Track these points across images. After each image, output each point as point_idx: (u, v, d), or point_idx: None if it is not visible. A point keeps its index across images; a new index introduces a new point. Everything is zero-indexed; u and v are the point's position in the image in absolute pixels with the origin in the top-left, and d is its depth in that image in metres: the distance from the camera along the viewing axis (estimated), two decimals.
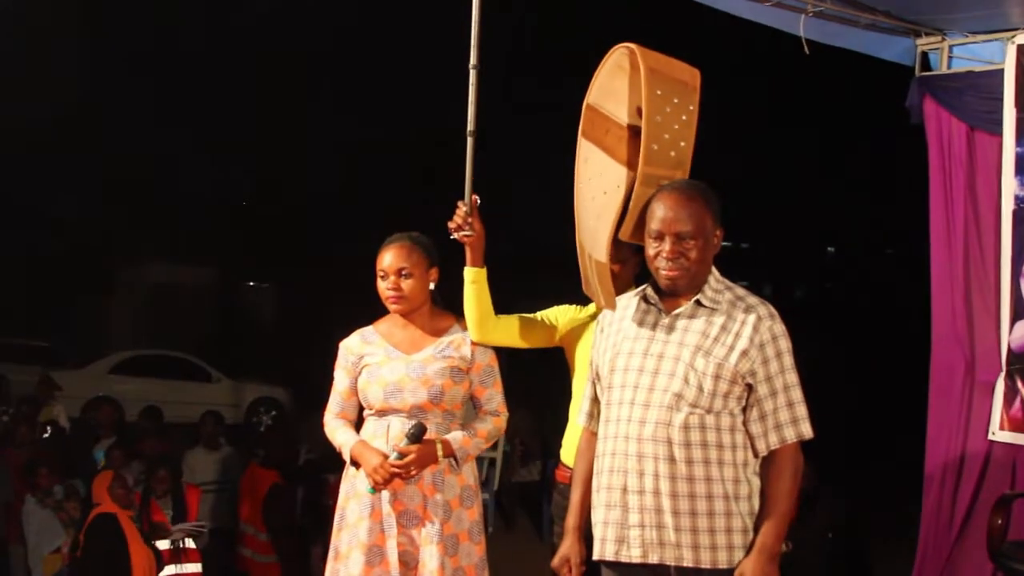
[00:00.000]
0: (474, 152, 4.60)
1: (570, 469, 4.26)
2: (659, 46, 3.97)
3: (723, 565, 3.48)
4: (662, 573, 3.54)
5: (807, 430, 3.55)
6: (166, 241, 25.71)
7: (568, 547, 3.79)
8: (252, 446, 10.70)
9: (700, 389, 3.48)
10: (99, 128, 22.15)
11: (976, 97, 6.86)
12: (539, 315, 4.63)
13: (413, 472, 4.28)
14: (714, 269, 3.65)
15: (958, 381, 6.96)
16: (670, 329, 3.58)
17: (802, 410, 3.54)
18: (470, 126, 4.57)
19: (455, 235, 4.42)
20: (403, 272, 4.43)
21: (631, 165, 3.82)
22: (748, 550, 3.49)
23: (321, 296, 25.87)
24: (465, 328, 4.51)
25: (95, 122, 21.85)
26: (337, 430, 4.51)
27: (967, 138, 6.91)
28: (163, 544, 7.19)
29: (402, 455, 4.25)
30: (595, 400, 3.81)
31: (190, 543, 7.29)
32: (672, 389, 3.50)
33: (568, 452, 4.43)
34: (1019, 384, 6.66)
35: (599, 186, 3.94)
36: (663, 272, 3.56)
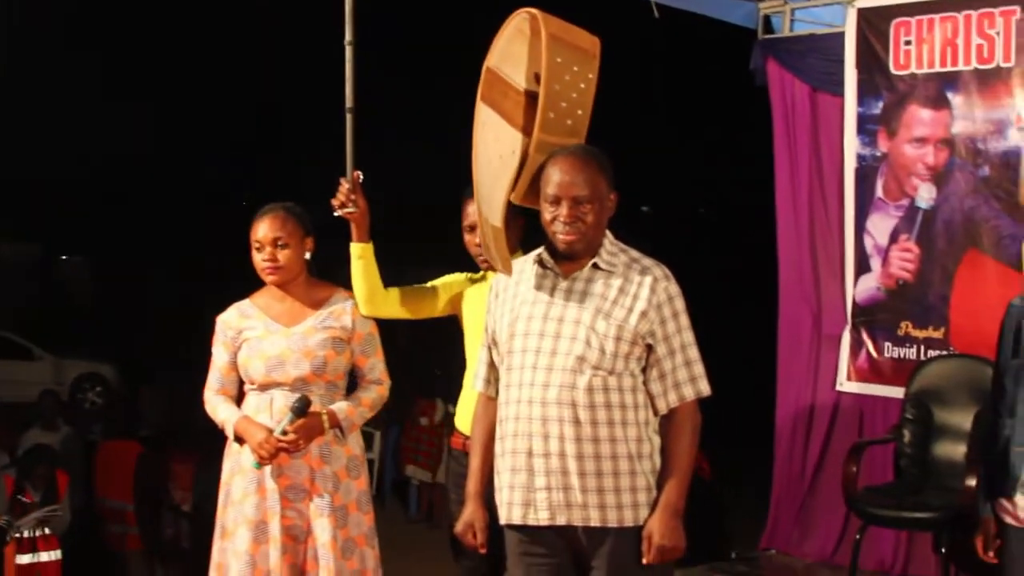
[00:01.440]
0: (354, 128, 4.53)
1: (465, 436, 4.27)
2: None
3: (629, 523, 3.53)
4: (569, 534, 3.57)
5: (704, 387, 3.62)
6: None
7: (471, 513, 3.79)
8: (88, 423, 10.48)
9: (602, 351, 3.51)
10: None
11: (818, 59, 7.06)
12: (428, 285, 4.60)
13: (301, 445, 4.23)
14: (608, 232, 3.69)
15: (806, 334, 7.20)
16: (568, 293, 3.60)
17: (699, 368, 3.61)
18: (348, 103, 4.50)
19: (339, 212, 4.38)
20: (279, 242, 4.36)
21: (527, 131, 3.80)
22: (652, 507, 3.55)
23: (139, 269, 25.32)
24: (345, 298, 4.46)
25: None
26: (219, 406, 4.42)
27: (810, 99, 7.13)
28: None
29: (286, 431, 4.21)
30: (491, 366, 3.80)
31: (46, 530, 7.08)
32: (574, 352, 3.53)
33: (462, 419, 4.43)
34: (864, 336, 6.91)
35: (495, 151, 3.92)
36: (560, 236, 3.58)
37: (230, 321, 4.46)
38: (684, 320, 3.62)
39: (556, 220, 3.58)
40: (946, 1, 6.47)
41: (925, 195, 6.66)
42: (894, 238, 6.78)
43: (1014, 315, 4.22)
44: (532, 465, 3.56)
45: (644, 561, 3.50)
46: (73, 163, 25.30)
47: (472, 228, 4.36)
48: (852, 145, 6.91)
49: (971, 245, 6.51)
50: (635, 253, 3.70)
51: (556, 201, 3.58)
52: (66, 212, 25.75)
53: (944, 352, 6.55)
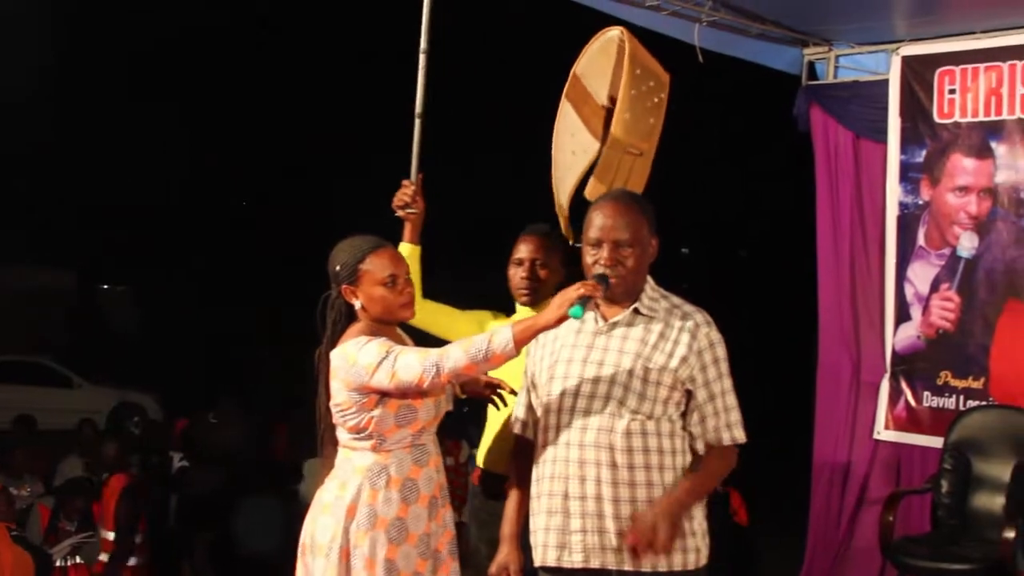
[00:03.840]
0: (422, 133, 4.76)
1: (484, 471, 4.39)
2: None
3: (663, 568, 3.52)
4: None
5: (740, 435, 3.62)
6: (20, 243, 25.00)
7: (506, 555, 3.78)
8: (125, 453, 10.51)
9: (642, 396, 3.52)
10: None
11: (861, 106, 7.06)
12: (466, 313, 4.64)
13: None
14: (650, 278, 3.70)
15: (844, 382, 7.16)
16: (609, 337, 3.61)
17: (736, 416, 3.62)
18: (419, 108, 4.76)
19: (399, 212, 4.46)
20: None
21: (598, 137, 4.32)
22: (685, 552, 3.55)
23: (179, 298, 25.45)
24: None
25: None
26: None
27: (853, 146, 7.12)
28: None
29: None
30: (530, 408, 3.81)
31: (77, 559, 7.12)
32: (614, 396, 3.53)
33: (483, 455, 4.50)
34: (903, 385, 6.87)
35: (570, 145, 4.41)
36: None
37: None
38: (724, 367, 3.62)
39: (597, 263, 3.59)
40: (991, 51, 6.48)
41: (967, 244, 6.64)
42: (935, 287, 6.76)
43: None
44: (568, 507, 3.56)
45: (626, 541, 3.49)
46: (114, 191, 25.55)
47: (520, 263, 4.48)
48: (894, 193, 6.90)
49: (1012, 295, 6.48)
50: (676, 299, 3.71)
51: (598, 244, 3.59)
52: (106, 240, 25.98)
53: (984, 403, 6.52)
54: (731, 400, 3.62)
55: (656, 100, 4.29)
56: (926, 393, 6.80)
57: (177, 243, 26.37)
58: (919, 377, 6.82)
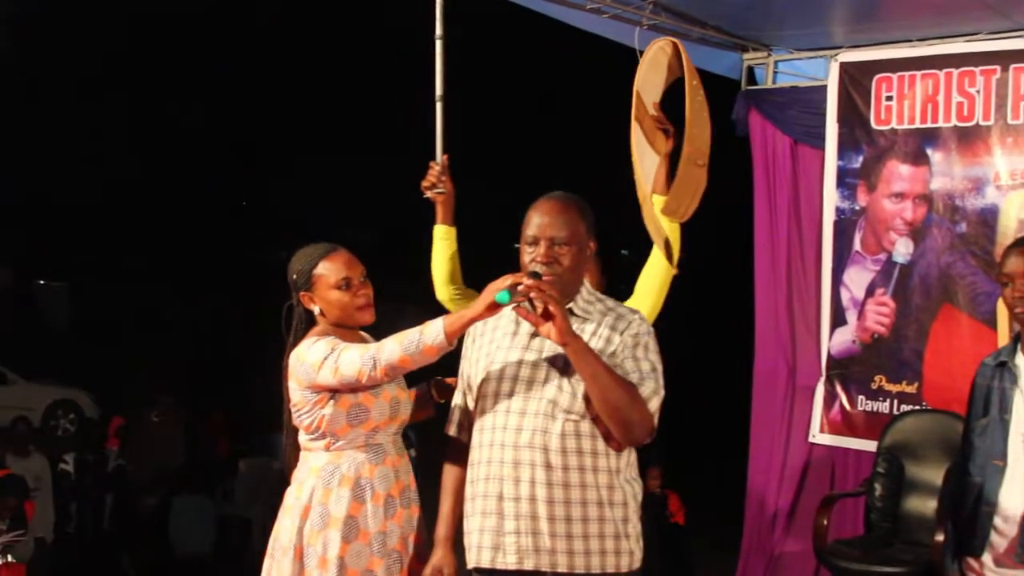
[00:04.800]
0: (444, 115, 5.00)
1: None
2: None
3: (596, 570, 3.52)
4: None
5: (654, 403, 3.49)
6: None
7: (440, 557, 3.77)
8: (60, 450, 10.42)
9: (574, 395, 3.51)
10: None
11: (800, 112, 7.11)
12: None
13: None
14: (586, 281, 3.70)
15: (780, 386, 7.21)
16: (544, 338, 3.60)
17: (653, 385, 3.51)
18: (439, 91, 5.02)
19: (428, 194, 4.54)
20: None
21: (659, 152, 4.55)
22: (619, 554, 3.56)
23: (116, 297, 25.20)
24: None
25: None
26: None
27: (791, 151, 7.17)
28: None
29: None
30: (465, 410, 3.80)
31: (10, 557, 7.01)
32: (547, 396, 3.53)
33: None
34: (838, 389, 6.92)
35: (642, 171, 4.63)
36: None
37: None
38: (653, 355, 3.59)
39: (533, 261, 3.58)
40: (927, 58, 6.54)
41: (902, 250, 6.70)
42: (871, 292, 6.81)
43: (985, 373, 4.23)
44: (503, 509, 3.55)
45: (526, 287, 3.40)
46: (51, 187, 25.25)
47: (535, 241, 4.36)
48: (831, 198, 6.95)
49: (946, 301, 6.54)
50: (612, 302, 3.70)
51: (535, 242, 3.58)
52: (43, 237, 25.68)
53: (917, 407, 6.58)
54: (647, 367, 3.54)
55: (706, 111, 4.48)
56: (861, 397, 6.86)
57: (116, 239, 26.12)
58: (854, 381, 6.88)
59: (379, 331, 3.96)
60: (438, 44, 5.08)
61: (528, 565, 3.53)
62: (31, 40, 22.38)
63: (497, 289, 3.41)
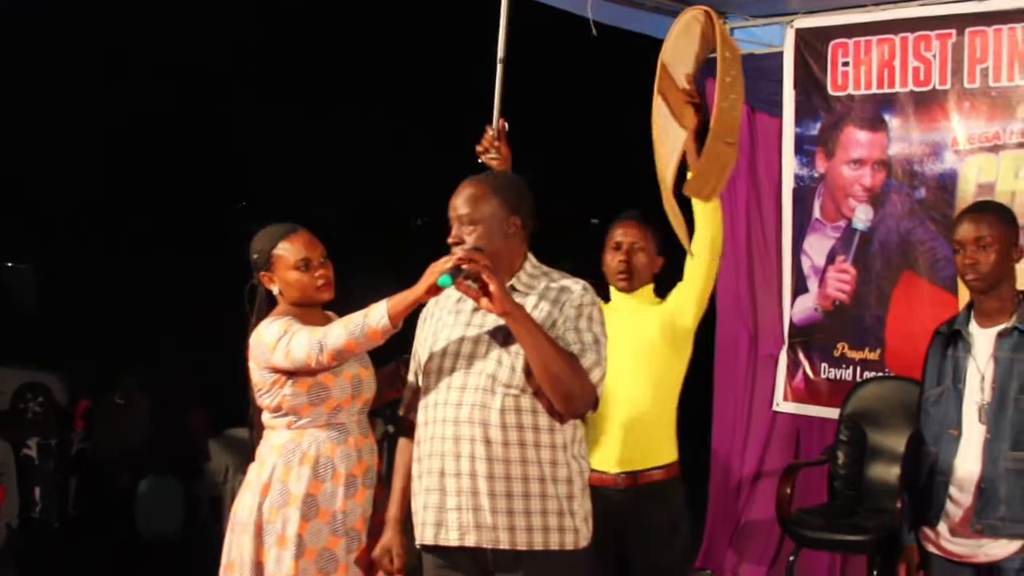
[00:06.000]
0: (504, 78, 4.93)
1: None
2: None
3: (539, 547, 3.53)
4: (480, 556, 3.57)
5: (596, 374, 3.51)
6: None
7: (388, 538, 3.80)
8: (26, 435, 10.34)
9: (512, 369, 3.52)
10: None
11: (756, 79, 7.01)
12: None
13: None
14: (531, 256, 3.71)
15: (743, 354, 7.20)
16: (484, 314, 3.60)
17: (595, 357, 3.51)
18: (500, 53, 4.94)
19: (482, 158, 4.54)
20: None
21: (685, 126, 4.41)
22: (563, 531, 3.54)
23: (86, 276, 25.03)
24: None
25: None
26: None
27: (747, 119, 7.09)
28: None
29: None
30: (416, 391, 3.80)
31: None
32: (487, 371, 3.54)
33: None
34: (801, 356, 6.90)
35: (665, 145, 4.49)
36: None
37: None
38: (597, 327, 3.58)
39: (449, 243, 3.64)
40: (883, 23, 6.49)
41: (862, 216, 6.67)
42: (831, 259, 6.78)
43: (939, 341, 4.21)
44: (444, 485, 3.57)
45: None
46: (16, 166, 25.02)
47: (618, 247, 4.54)
48: (790, 165, 6.92)
49: (907, 267, 6.52)
50: (557, 275, 3.71)
51: (451, 224, 3.65)
52: (8, 217, 25.44)
53: (880, 374, 6.57)
54: (589, 339, 3.54)
55: (734, 96, 4.36)
56: (823, 364, 6.83)
57: (82, 220, 25.91)
58: (816, 348, 6.86)
59: None
60: (503, 2, 4.99)
61: (470, 541, 3.54)
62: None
63: (438, 272, 3.42)
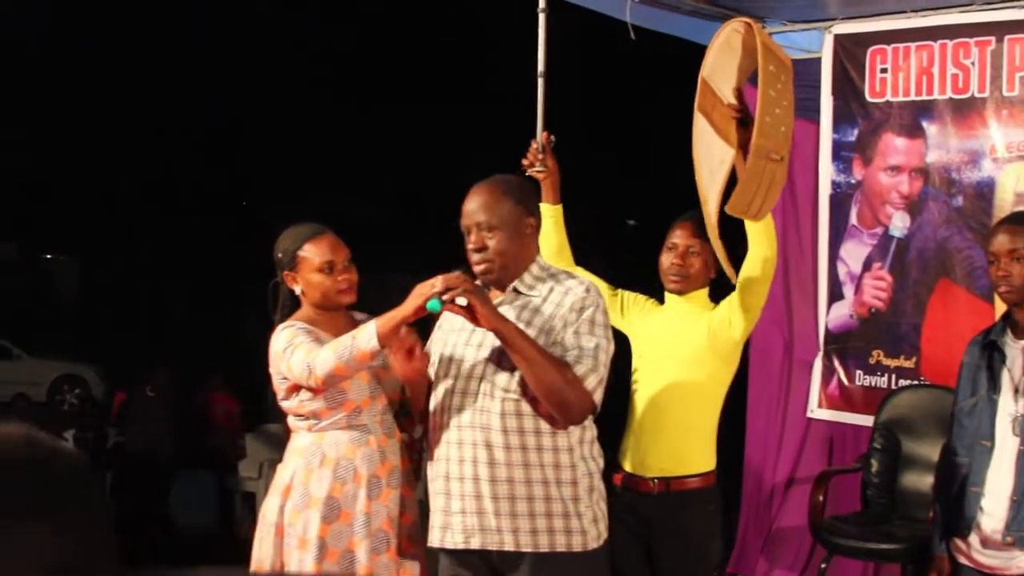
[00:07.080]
0: (545, 92, 4.93)
1: (626, 472, 4.46)
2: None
3: (544, 548, 3.57)
4: (486, 558, 3.63)
5: (591, 382, 3.50)
6: None
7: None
8: (64, 426, 10.44)
9: (511, 372, 3.54)
10: None
11: (794, 85, 7.02)
12: (617, 292, 4.67)
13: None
14: (539, 258, 3.73)
15: (777, 360, 7.17)
16: None
17: (591, 363, 3.51)
18: (540, 67, 4.96)
19: (529, 172, 4.57)
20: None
21: (732, 143, 4.20)
22: (569, 533, 3.57)
23: (126, 269, 25.17)
24: None
25: None
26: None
27: None
28: None
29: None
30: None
31: None
32: (487, 377, 3.59)
33: (623, 454, 4.52)
34: (836, 363, 6.88)
35: (708, 163, 4.32)
36: (474, 265, 3.67)
37: None
38: (599, 329, 3.58)
39: (470, 250, 3.65)
40: (922, 30, 6.46)
41: (899, 224, 6.64)
42: (867, 266, 6.76)
43: (973, 353, 4.20)
44: (449, 489, 3.63)
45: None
46: (59, 161, 25.19)
47: (673, 247, 4.50)
48: (827, 172, 6.89)
49: (943, 275, 6.48)
50: (564, 276, 3.75)
51: (467, 231, 3.67)
52: (50, 210, 25.62)
53: (915, 382, 6.53)
54: (588, 343, 3.53)
55: (785, 103, 4.17)
56: (859, 372, 6.81)
57: (124, 214, 26.07)
58: (852, 356, 6.83)
59: None
60: (541, 17, 5.00)
61: (474, 544, 3.60)
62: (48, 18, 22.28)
63: (424, 296, 3.42)
